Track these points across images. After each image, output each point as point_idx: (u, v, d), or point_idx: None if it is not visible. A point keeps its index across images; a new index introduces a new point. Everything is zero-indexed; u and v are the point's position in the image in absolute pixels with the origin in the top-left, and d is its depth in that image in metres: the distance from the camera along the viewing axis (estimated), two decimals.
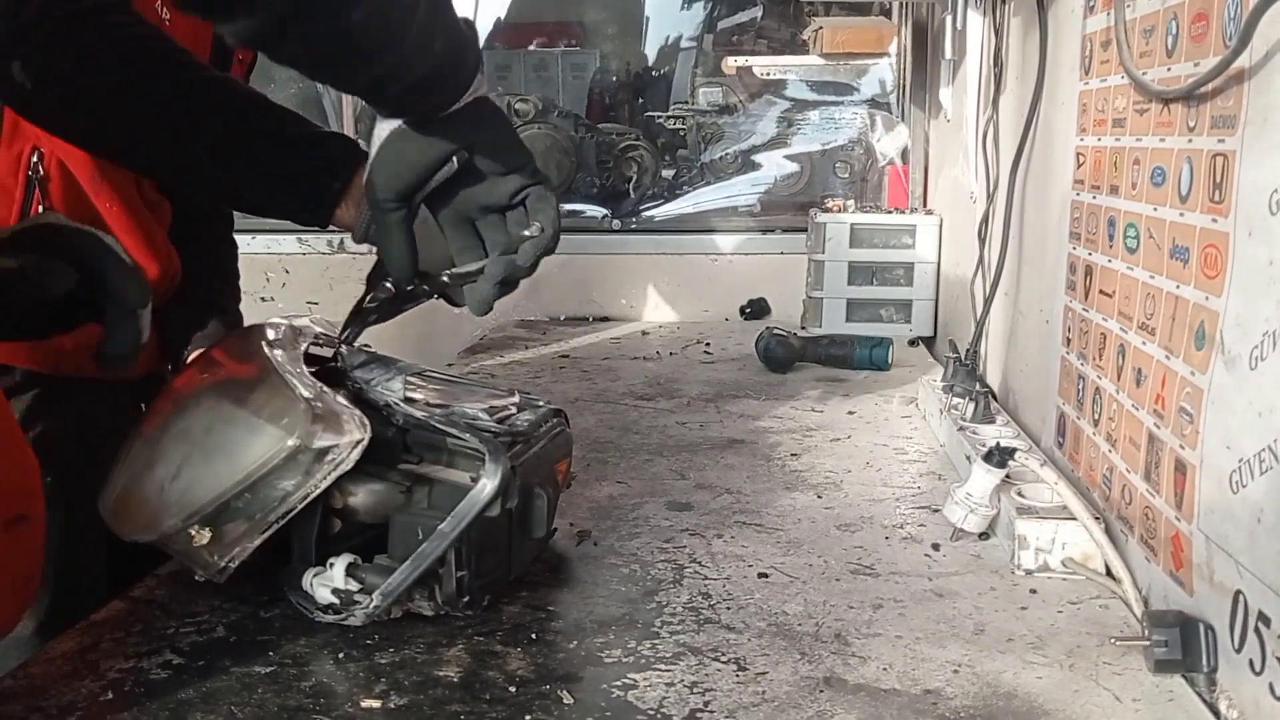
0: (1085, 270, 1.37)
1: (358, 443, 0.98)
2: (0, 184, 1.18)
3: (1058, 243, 1.49)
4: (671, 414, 1.87)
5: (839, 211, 2.60)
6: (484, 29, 3.37)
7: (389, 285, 1.12)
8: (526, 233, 1.06)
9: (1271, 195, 0.87)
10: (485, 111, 1.04)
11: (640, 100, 3.57)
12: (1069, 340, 1.43)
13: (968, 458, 1.41)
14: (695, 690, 0.93)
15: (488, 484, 1.00)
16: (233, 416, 0.97)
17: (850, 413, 1.87)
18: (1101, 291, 1.30)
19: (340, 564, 1.02)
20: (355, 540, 1.05)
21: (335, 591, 1.01)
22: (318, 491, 0.97)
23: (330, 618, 1.02)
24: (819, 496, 1.44)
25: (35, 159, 1.19)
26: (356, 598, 1.01)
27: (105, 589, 1.25)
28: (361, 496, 1.03)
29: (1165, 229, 1.10)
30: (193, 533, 0.97)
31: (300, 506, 0.97)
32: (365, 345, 1.16)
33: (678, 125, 3.40)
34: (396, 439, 1.06)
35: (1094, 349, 1.32)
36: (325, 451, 0.96)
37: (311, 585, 1.02)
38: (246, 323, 1.36)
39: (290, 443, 0.95)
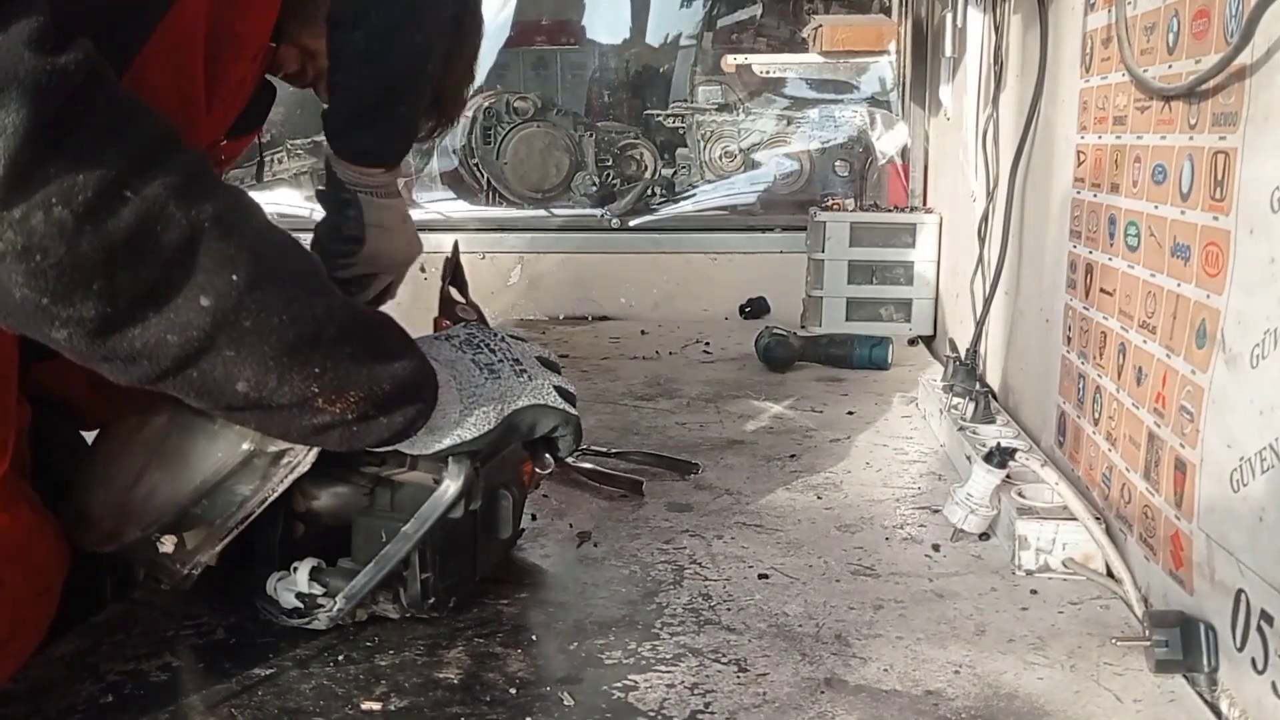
0: (1086, 269, 1.36)
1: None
2: None
3: (1058, 241, 1.48)
4: (671, 414, 1.87)
5: (839, 210, 2.60)
6: (490, 33, 3.35)
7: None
8: None
9: (1273, 193, 0.87)
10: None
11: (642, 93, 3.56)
12: (1069, 339, 1.43)
13: (968, 458, 1.41)
14: (696, 692, 0.93)
15: (451, 486, 0.99)
16: (189, 423, 0.95)
17: (850, 412, 1.87)
18: (1102, 290, 1.30)
19: (304, 568, 1.01)
20: (319, 544, 1.04)
21: (299, 596, 1.01)
22: (275, 495, 0.96)
23: (294, 622, 1.02)
24: (819, 497, 1.44)
25: None
26: (320, 601, 1.00)
27: (105, 592, 1.25)
28: (324, 500, 1.03)
29: (1166, 227, 1.10)
30: (156, 541, 0.96)
31: (259, 512, 0.96)
32: None
33: (677, 124, 3.39)
34: None
35: (1094, 348, 1.32)
36: (281, 455, 0.94)
37: (275, 589, 1.02)
38: None
39: (245, 447, 0.94)
